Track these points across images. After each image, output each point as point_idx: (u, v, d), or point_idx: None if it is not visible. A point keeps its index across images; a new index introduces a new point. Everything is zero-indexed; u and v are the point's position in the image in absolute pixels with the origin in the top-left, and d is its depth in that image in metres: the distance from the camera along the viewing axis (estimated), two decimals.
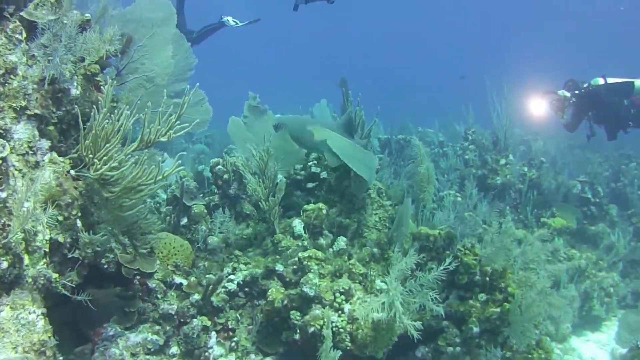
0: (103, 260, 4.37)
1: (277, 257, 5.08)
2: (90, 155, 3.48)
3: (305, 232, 5.16)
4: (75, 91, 3.86)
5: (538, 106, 8.90)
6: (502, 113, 9.56)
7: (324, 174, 5.88)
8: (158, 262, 4.75)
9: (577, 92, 8.55)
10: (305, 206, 5.27)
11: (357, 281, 4.80)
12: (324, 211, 5.18)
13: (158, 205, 6.33)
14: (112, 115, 3.50)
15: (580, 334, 7.25)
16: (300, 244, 5.10)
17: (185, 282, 4.88)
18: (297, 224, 5.25)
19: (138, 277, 4.63)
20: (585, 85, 8.56)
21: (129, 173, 3.60)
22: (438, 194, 8.22)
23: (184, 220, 5.59)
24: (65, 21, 3.78)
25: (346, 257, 5.04)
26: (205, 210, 5.67)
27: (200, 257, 5.32)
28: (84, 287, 3.69)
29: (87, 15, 4.01)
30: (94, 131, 3.42)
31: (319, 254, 4.77)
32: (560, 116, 8.80)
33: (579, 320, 7.30)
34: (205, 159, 11.33)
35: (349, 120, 5.49)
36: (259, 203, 5.25)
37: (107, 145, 3.46)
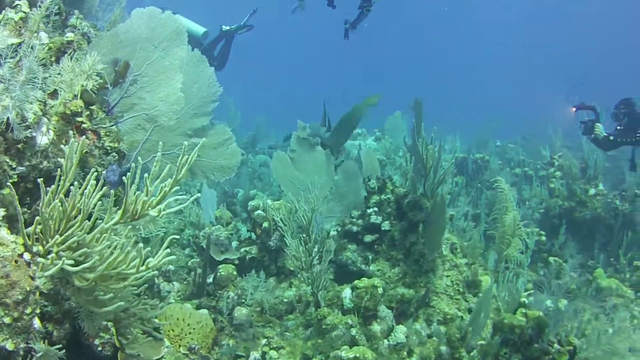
0: (97, 342, 3.25)
1: (319, 341, 3.78)
2: (39, 247, 2.27)
3: (355, 315, 3.83)
4: (43, 138, 2.66)
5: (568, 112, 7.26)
6: None
7: (385, 225, 4.54)
8: (166, 344, 3.53)
9: (619, 127, 6.85)
10: (356, 282, 3.93)
11: None
12: (380, 289, 3.82)
13: (197, 239, 5.08)
14: (74, 187, 2.28)
15: None
16: (348, 322, 3.78)
17: None
18: (348, 295, 3.96)
19: None
20: None
21: (105, 258, 2.39)
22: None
23: (210, 279, 4.33)
24: (37, 44, 2.59)
25: (405, 353, 3.65)
26: (235, 272, 4.35)
27: (225, 333, 4.02)
28: None
29: (68, 35, 2.78)
30: (40, 216, 2.21)
31: (369, 354, 3.40)
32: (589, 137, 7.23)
33: None
34: (266, 172, 10.06)
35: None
36: (299, 274, 3.96)
37: (59, 233, 2.24)
